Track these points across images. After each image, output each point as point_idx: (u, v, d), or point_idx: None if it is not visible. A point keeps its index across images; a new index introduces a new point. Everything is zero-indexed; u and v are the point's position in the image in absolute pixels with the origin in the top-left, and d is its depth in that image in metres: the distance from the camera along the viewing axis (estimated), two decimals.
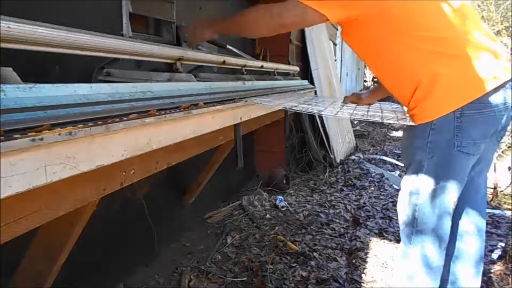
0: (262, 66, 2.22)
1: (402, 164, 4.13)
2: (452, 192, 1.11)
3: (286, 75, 2.85)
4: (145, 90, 0.95)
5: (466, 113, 1.03)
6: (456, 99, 1.04)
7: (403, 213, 1.19)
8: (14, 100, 0.60)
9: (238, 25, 1.27)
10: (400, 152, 4.80)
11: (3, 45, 0.68)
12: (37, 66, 1.11)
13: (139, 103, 0.87)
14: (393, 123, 1.27)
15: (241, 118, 1.36)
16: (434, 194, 1.11)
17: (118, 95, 0.84)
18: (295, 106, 1.41)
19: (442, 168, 1.09)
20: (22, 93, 0.62)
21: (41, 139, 0.55)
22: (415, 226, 1.15)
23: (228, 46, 2.02)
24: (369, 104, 1.59)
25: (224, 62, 1.65)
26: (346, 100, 1.62)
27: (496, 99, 1.05)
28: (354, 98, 1.59)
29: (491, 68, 1.06)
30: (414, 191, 1.14)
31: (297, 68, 3.08)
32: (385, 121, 1.26)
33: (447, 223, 1.13)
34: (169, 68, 1.34)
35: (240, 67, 1.90)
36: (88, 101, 0.74)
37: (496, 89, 1.05)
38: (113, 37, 0.99)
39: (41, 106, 0.64)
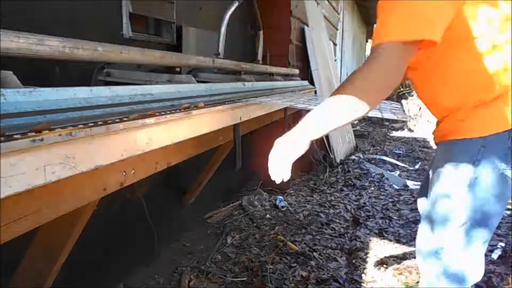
0: (262, 73, 2.25)
1: (402, 164, 4.13)
2: (493, 221, 1.00)
3: (286, 75, 2.86)
4: (145, 92, 0.95)
5: None
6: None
7: (430, 254, 1.04)
8: (14, 105, 0.60)
9: (340, 114, 0.93)
10: (400, 152, 4.80)
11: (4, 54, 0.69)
12: (38, 67, 1.11)
13: (139, 106, 0.88)
14: (392, 117, 1.27)
15: (240, 118, 1.36)
16: (471, 224, 0.97)
17: (118, 98, 0.85)
18: (294, 105, 1.42)
19: (485, 192, 0.96)
20: (22, 97, 0.63)
21: (42, 139, 0.55)
22: (442, 263, 1.01)
23: None
24: None
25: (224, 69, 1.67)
26: None
27: None
28: None
29: None
30: (442, 218, 0.99)
31: (296, 71, 3.08)
32: (385, 115, 1.25)
33: (481, 257, 1.02)
34: (168, 69, 1.35)
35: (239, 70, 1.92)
36: (88, 105, 0.75)
37: None
38: (111, 47, 0.99)
39: (41, 110, 0.64)
